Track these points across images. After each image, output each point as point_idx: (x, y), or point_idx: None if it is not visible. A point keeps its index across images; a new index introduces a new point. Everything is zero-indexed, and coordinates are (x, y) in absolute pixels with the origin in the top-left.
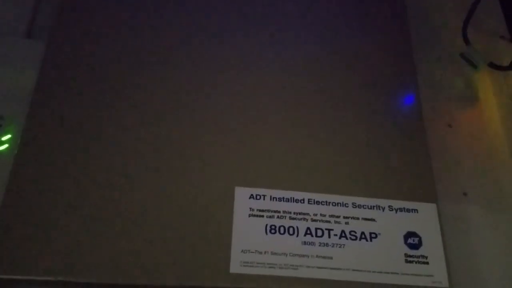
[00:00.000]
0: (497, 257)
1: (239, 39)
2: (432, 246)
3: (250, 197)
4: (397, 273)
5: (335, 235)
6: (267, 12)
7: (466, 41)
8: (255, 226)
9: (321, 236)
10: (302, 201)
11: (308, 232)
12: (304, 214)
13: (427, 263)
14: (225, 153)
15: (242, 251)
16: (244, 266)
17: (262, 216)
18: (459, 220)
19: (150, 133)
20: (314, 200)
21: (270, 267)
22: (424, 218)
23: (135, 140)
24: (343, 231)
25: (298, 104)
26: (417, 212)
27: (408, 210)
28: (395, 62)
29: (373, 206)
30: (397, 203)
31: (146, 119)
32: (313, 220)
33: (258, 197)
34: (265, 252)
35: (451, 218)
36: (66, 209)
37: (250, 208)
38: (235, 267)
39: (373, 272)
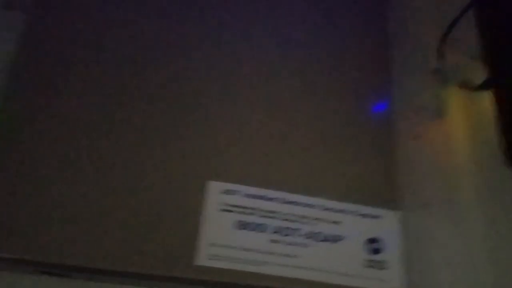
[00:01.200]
0: (455, 268)
1: (216, 35)
2: (392, 252)
3: (223, 192)
4: (357, 277)
5: (302, 235)
6: (249, 11)
7: (441, 57)
8: (225, 220)
9: (289, 235)
10: (274, 200)
11: (277, 230)
12: (274, 212)
13: (386, 268)
14: (202, 146)
15: (210, 244)
16: (210, 259)
17: (233, 211)
18: (420, 229)
19: (125, 120)
20: (286, 199)
21: (236, 262)
22: (387, 225)
23: (109, 126)
24: (310, 232)
25: (277, 104)
26: (381, 219)
27: (372, 216)
28: (371, 70)
29: (341, 210)
30: (363, 209)
31: (123, 103)
32: (282, 219)
33: (231, 192)
34: (233, 247)
35: (412, 227)
36: (37, 191)
37: (222, 203)
38: (201, 260)
39: (335, 273)
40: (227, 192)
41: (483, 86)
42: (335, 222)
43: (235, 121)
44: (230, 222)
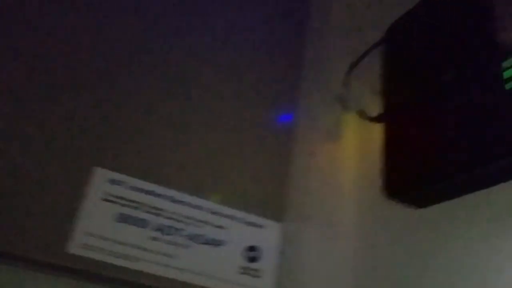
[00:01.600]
0: (327, 281)
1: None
2: (268, 262)
3: (109, 181)
4: (231, 283)
5: (185, 236)
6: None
7: (346, 85)
8: (107, 211)
9: (171, 235)
10: (161, 197)
11: (159, 228)
12: (160, 209)
13: (260, 277)
14: (94, 130)
15: (86, 233)
16: (84, 248)
17: (117, 203)
18: (298, 241)
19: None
20: (174, 198)
21: (111, 255)
22: (268, 235)
23: None
24: (193, 234)
25: (182, 104)
26: (263, 228)
27: (256, 225)
28: (280, 86)
29: (227, 215)
30: (249, 217)
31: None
32: (167, 218)
33: (118, 182)
34: (110, 239)
35: (292, 238)
36: None
37: (106, 192)
38: (73, 248)
39: (210, 277)
40: (113, 181)
41: (376, 119)
42: (219, 227)
43: (137, 113)
44: (111, 213)
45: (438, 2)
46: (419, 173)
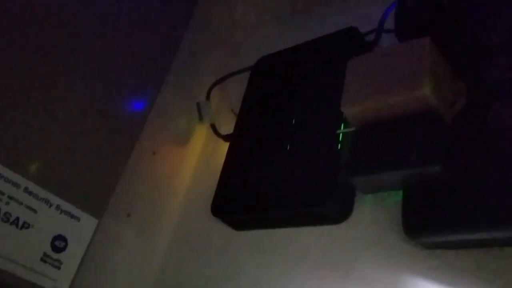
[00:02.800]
0: (128, 283)
1: None
2: (73, 255)
3: None
4: (29, 268)
5: None
6: None
7: (208, 96)
8: None
9: None
10: None
11: None
12: None
13: (59, 268)
14: None
15: None
16: None
17: None
18: (113, 240)
19: None
20: None
21: None
22: (82, 228)
23: None
24: None
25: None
26: (78, 221)
27: (71, 216)
28: (142, 81)
29: (43, 199)
30: (66, 205)
31: None
32: None
33: None
34: None
35: (107, 236)
36: None
37: None
38: None
39: (7, 259)
40: None
41: (224, 137)
42: (31, 209)
43: None
44: None
45: (303, 55)
46: (239, 200)
